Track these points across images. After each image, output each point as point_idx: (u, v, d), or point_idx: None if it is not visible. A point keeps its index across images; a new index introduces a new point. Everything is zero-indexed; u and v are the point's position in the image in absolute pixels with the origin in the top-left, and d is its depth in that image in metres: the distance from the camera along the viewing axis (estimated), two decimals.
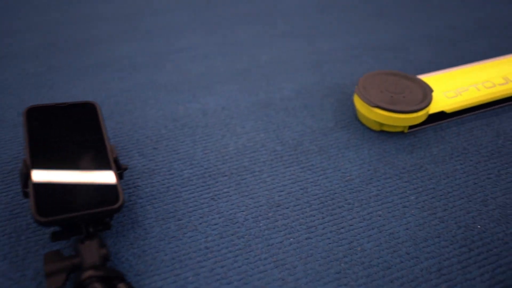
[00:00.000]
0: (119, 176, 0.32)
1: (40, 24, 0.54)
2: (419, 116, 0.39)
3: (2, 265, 0.29)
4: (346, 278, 0.30)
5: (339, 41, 0.53)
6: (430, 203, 0.35)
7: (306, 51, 0.51)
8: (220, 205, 0.34)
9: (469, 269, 0.30)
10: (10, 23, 0.54)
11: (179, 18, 0.57)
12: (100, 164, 0.30)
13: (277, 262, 0.30)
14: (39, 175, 0.29)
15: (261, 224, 0.33)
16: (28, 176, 0.29)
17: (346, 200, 0.35)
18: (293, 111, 0.43)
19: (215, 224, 0.33)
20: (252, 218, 0.33)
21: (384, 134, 0.41)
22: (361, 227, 0.33)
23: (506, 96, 0.43)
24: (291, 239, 0.32)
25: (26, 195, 0.30)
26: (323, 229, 0.33)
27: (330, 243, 0.32)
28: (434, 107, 0.41)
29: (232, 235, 0.32)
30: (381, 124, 0.40)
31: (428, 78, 0.44)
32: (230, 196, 0.35)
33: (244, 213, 0.33)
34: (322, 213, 0.34)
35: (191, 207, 0.34)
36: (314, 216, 0.33)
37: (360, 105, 0.40)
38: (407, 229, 0.33)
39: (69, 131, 0.32)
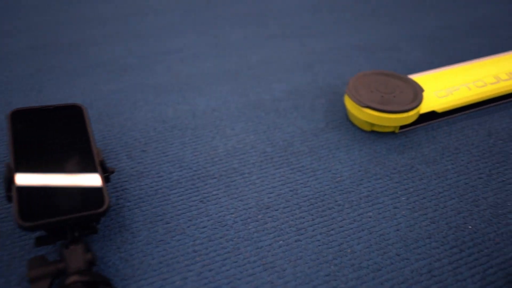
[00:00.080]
0: (106, 179, 0.32)
1: (29, 26, 0.54)
2: (410, 116, 0.38)
3: None
4: (335, 280, 0.29)
5: (331, 42, 0.53)
6: (421, 204, 0.34)
7: (297, 51, 0.51)
8: (209, 208, 0.34)
9: (460, 270, 0.30)
10: None
11: (170, 20, 0.56)
12: (86, 167, 0.30)
13: (266, 265, 0.30)
14: (22, 179, 0.28)
15: (250, 227, 0.32)
16: (11, 180, 0.29)
17: (336, 201, 0.34)
18: (284, 112, 0.42)
19: (204, 227, 0.32)
20: (241, 220, 0.33)
21: (375, 134, 0.40)
22: (351, 228, 0.32)
23: (497, 95, 0.43)
24: (281, 242, 0.31)
25: (9, 199, 0.29)
26: (313, 231, 0.32)
27: (319, 245, 0.31)
28: (425, 107, 0.40)
29: (221, 238, 0.32)
30: (372, 125, 0.40)
31: (419, 77, 0.44)
32: (219, 198, 0.34)
33: (233, 215, 0.33)
34: (312, 215, 0.33)
35: (179, 210, 0.33)
36: (303, 218, 0.33)
37: (350, 106, 0.40)
38: (397, 230, 0.33)
39: (55, 134, 0.32)
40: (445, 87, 0.43)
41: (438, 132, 0.41)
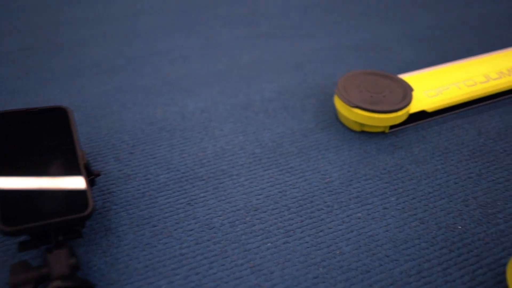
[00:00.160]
0: (91, 182, 0.31)
1: (16, 28, 0.53)
2: (400, 115, 0.38)
3: None
4: (324, 283, 0.29)
5: (321, 42, 0.53)
6: (410, 204, 0.34)
7: (288, 51, 0.51)
8: (197, 210, 0.33)
9: (449, 270, 0.30)
10: None
11: (159, 21, 0.56)
12: (70, 170, 0.29)
13: (254, 268, 0.30)
14: (5, 182, 0.28)
15: (238, 229, 0.32)
16: None
17: (326, 202, 0.34)
18: (274, 113, 0.42)
19: (191, 230, 0.32)
20: (229, 223, 0.32)
21: (365, 134, 0.40)
22: (340, 230, 0.32)
23: (487, 94, 0.43)
24: (269, 244, 0.31)
25: None
26: (302, 232, 0.32)
27: (308, 247, 0.31)
28: (415, 107, 0.40)
29: (208, 240, 0.31)
30: (362, 125, 0.39)
31: (408, 77, 0.44)
32: (207, 200, 0.34)
33: (221, 218, 0.33)
34: (301, 216, 0.33)
35: (166, 212, 0.33)
36: (292, 219, 0.33)
37: (340, 106, 0.40)
38: (387, 231, 0.32)
39: (39, 136, 0.31)
40: (435, 86, 0.42)
41: (428, 132, 0.41)
